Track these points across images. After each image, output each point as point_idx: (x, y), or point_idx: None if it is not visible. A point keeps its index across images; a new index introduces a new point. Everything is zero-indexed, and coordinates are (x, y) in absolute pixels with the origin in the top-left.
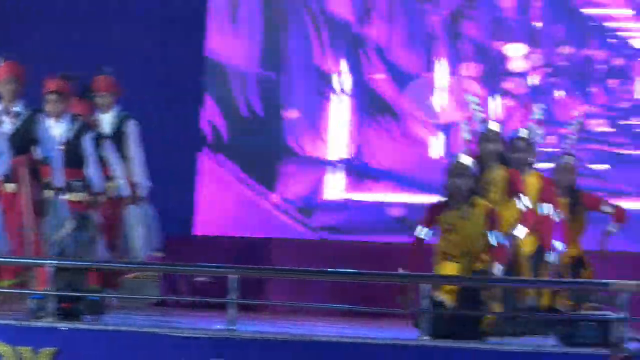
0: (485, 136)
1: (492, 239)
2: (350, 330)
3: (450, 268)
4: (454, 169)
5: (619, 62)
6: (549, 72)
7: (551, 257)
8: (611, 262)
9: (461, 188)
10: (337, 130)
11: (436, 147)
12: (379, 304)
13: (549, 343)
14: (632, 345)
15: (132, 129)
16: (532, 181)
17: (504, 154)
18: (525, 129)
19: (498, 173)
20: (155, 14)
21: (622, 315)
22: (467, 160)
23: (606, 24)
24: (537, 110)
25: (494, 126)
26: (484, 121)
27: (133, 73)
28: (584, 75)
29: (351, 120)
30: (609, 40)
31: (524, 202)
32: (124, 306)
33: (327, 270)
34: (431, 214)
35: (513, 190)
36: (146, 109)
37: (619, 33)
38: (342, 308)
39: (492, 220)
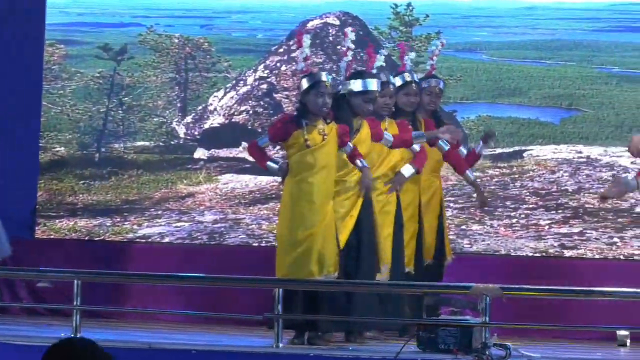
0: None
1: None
2: (204, 338)
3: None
4: (325, 88)
5: None
6: None
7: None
8: (472, 264)
9: (328, 107)
10: None
11: None
12: (243, 310)
13: (409, 350)
14: (495, 352)
15: None
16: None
17: None
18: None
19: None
20: None
21: (484, 320)
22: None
23: None
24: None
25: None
26: None
27: None
28: None
29: None
30: None
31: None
32: None
33: (177, 275)
34: (285, 131)
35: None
36: None
37: None
38: (188, 314)
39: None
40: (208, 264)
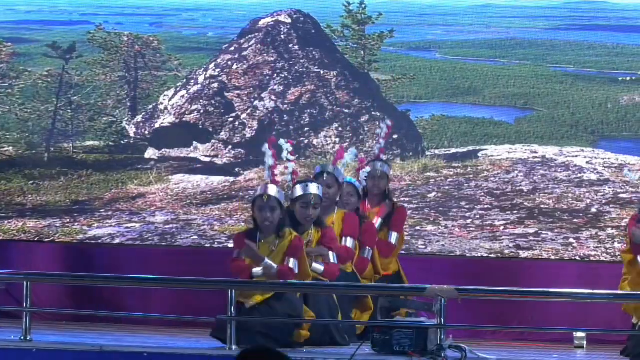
0: (307, 199)
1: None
2: (156, 340)
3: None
4: (263, 202)
5: None
6: None
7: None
8: (427, 265)
9: (272, 222)
10: None
11: None
12: (196, 312)
13: (364, 352)
14: (450, 354)
15: None
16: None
17: None
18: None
19: (314, 235)
20: None
21: (439, 321)
22: (275, 191)
23: None
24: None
25: (315, 190)
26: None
27: None
28: None
29: None
30: None
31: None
32: None
33: (129, 277)
34: (239, 244)
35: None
36: None
37: None
38: (140, 316)
39: (293, 248)
40: (160, 265)
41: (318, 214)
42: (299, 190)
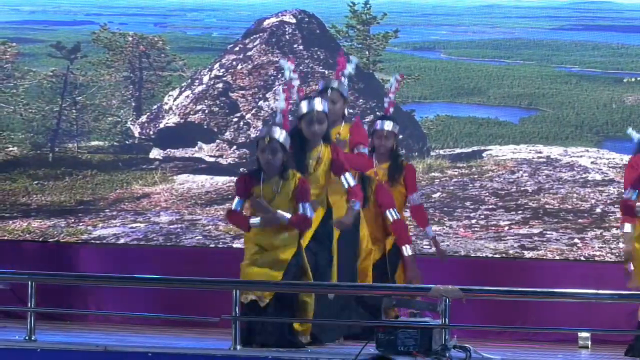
0: (310, 116)
1: (304, 210)
2: (160, 340)
3: (256, 273)
4: (265, 143)
5: None
6: None
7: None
8: (431, 265)
9: (273, 164)
10: None
11: None
12: (200, 312)
13: (368, 351)
14: (455, 354)
15: None
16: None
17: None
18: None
19: (324, 151)
20: None
21: (444, 321)
22: (278, 134)
23: None
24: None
25: (319, 106)
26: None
27: None
28: None
29: None
30: None
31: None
32: None
33: (133, 277)
34: (245, 185)
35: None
36: None
37: None
38: (145, 316)
39: (302, 192)
40: (164, 265)
41: (325, 129)
42: (303, 107)
